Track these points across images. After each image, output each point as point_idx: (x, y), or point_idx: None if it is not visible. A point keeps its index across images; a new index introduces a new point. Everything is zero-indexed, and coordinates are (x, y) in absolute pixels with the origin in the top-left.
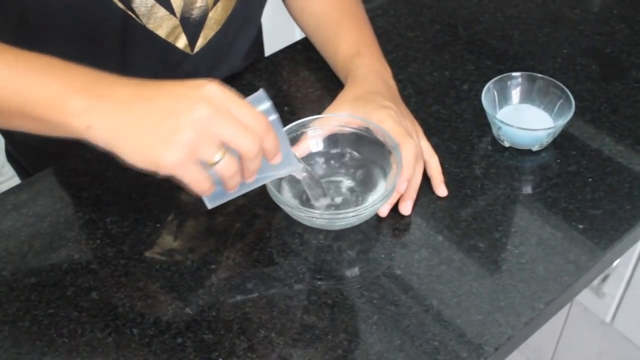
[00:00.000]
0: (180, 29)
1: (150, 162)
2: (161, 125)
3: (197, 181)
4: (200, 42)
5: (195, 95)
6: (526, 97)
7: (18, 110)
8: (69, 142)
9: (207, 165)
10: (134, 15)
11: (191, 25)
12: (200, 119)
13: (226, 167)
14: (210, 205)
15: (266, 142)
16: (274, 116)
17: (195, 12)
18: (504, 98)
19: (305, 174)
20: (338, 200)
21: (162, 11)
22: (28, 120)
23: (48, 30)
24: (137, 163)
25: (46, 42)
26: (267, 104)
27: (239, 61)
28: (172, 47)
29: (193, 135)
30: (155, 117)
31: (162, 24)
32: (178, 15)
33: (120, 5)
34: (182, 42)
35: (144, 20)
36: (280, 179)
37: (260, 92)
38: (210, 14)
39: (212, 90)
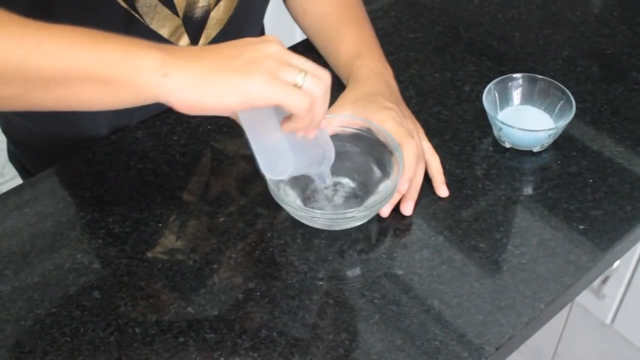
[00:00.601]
0: (182, 28)
1: (238, 93)
2: (238, 60)
3: (292, 97)
4: (202, 42)
5: (262, 40)
6: (527, 98)
7: (80, 75)
8: (70, 142)
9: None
10: (137, 15)
11: (193, 25)
12: (273, 53)
13: (314, 81)
14: (275, 175)
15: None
16: None
17: (198, 12)
18: (504, 99)
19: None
20: (339, 200)
21: (165, 11)
22: (89, 86)
23: None
24: (222, 100)
25: None
26: None
27: None
28: None
29: (271, 63)
30: (231, 55)
31: (165, 24)
32: (181, 15)
33: (123, 4)
34: (184, 42)
35: (147, 20)
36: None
37: None
38: (212, 14)
39: (276, 39)
